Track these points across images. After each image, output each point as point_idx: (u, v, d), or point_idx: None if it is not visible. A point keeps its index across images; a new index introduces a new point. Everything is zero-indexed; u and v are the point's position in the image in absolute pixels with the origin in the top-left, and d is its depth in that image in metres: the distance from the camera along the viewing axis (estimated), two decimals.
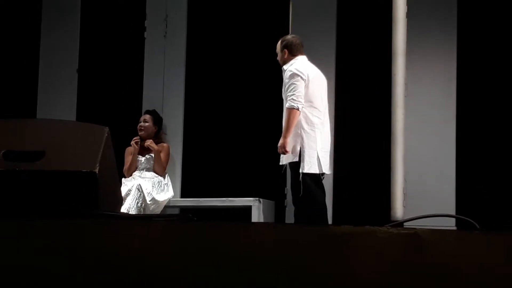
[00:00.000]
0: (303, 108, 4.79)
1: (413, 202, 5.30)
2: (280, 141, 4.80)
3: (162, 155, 5.93)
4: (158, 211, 5.66)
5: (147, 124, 6.01)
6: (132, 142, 5.91)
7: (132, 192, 5.51)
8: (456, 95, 5.57)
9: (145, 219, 2.19)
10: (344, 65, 5.88)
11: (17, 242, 1.65)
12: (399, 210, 4.89)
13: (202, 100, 6.23)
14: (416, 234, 1.53)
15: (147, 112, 6.11)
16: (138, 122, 6.05)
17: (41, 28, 6.67)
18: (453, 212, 5.27)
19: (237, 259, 1.57)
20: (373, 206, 5.52)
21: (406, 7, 4.93)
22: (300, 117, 4.80)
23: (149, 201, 5.56)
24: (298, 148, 4.78)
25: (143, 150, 5.96)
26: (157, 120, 6.09)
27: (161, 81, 6.30)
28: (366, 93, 5.79)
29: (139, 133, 5.99)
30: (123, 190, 5.45)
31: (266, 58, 5.86)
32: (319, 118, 4.88)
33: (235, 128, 6.06)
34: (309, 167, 4.76)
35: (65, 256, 1.62)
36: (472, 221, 1.91)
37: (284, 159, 4.88)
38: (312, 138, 4.81)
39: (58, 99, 6.51)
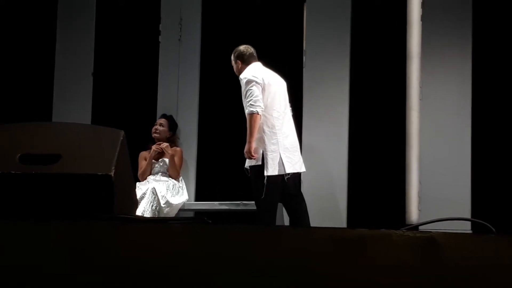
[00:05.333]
0: (263, 112, 4.89)
1: (429, 206, 5.27)
2: (246, 147, 4.90)
3: (176, 159, 5.94)
4: (172, 214, 5.67)
5: (162, 128, 6.03)
6: (154, 147, 5.91)
7: (146, 195, 5.52)
8: (471, 97, 5.54)
9: (160, 222, 2.20)
10: (359, 67, 5.87)
11: (33, 245, 1.66)
12: (414, 213, 4.86)
13: (217, 104, 6.24)
14: (431, 238, 1.52)
15: (164, 116, 6.13)
16: (153, 125, 6.08)
17: (56, 32, 6.70)
18: (468, 216, 5.24)
19: (252, 262, 1.57)
20: (388, 210, 5.50)
21: (421, 9, 4.92)
22: (261, 121, 4.90)
23: (163, 204, 5.57)
24: (261, 152, 4.87)
25: (157, 154, 5.97)
26: (173, 125, 6.12)
27: (176, 85, 6.31)
28: (381, 96, 5.78)
29: (153, 135, 6.01)
30: (138, 193, 5.46)
31: (280, 61, 5.86)
32: (278, 119, 4.96)
33: None
34: (272, 169, 4.85)
35: (80, 258, 1.63)
36: (487, 224, 1.90)
37: (248, 163, 4.95)
38: (273, 140, 4.90)
39: (74, 103, 6.54)
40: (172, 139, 6.10)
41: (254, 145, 4.87)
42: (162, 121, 6.08)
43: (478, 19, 5.58)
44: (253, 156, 4.88)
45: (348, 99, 5.82)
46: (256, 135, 4.88)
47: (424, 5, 5.03)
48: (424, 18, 5.02)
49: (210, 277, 1.58)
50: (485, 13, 5.59)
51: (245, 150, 4.92)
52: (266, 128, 4.92)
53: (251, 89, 4.89)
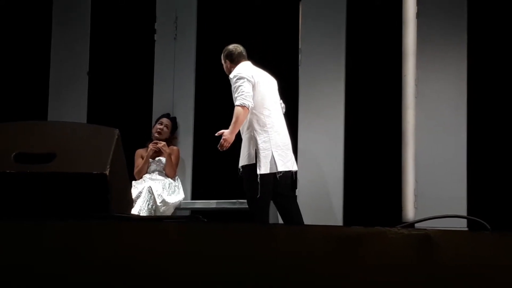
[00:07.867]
0: (254, 110, 4.87)
1: (424, 203, 5.28)
2: (227, 136, 4.85)
3: (173, 158, 5.93)
4: (168, 213, 5.67)
5: (166, 129, 6.02)
6: (151, 146, 5.90)
7: (142, 194, 5.52)
8: (467, 95, 5.54)
9: (155, 221, 2.19)
10: (354, 66, 5.87)
11: (28, 244, 1.65)
12: (410, 211, 4.87)
13: (212, 102, 6.24)
14: (427, 235, 1.52)
15: (168, 117, 6.10)
16: (155, 123, 6.05)
17: (51, 31, 6.70)
18: (464, 213, 5.24)
19: (247, 261, 1.57)
20: (384, 207, 5.50)
21: (416, 7, 4.92)
22: (252, 120, 4.89)
23: (160, 203, 5.57)
24: (254, 151, 4.85)
25: (153, 153, 5.97)
26: (175, 127, 6.12)
27: (171, 84, 6.31)
28: (376, 94, 5.78)
29: (156, 135, 5.99)
30: (134, 192, 5.46)
31: (275, 60, 5.86)
32: (270, 117, 4.94)
33: None
34: (265, 168, 4.83)
35: (75, 258, 1.63)
36: (483, 222, 1.90)
37: (241, 162, 4.93)
38: (265, 139, 4.88)
39: (69, 102, 6.53)
40: (170, 139, 6.09)
41: (233, 137, 4.86)
42: (167, 122, 6.06)
43: (473, 16, 5.59)
44: (226, 147, 4.85)
45: (344, 97, 5.82)
46: (239, 128, 4.87)
47: (419, 2, 5.04)
48: (419, 15, 5.03)
49: (206, 276, 1.58)
50: (480, 10, 5.59)
51: (224, 137, 4.87)
52: (257, 127, 4.89)
53: (242, 85, 4.87)
